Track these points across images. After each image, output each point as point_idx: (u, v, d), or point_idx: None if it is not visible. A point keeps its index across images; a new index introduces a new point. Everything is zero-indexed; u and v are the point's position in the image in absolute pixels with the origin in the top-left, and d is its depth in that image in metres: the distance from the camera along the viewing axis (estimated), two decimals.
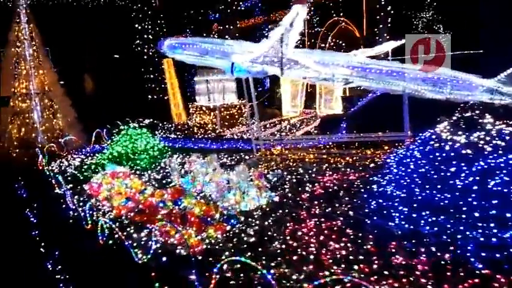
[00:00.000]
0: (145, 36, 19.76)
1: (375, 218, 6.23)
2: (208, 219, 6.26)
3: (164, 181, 9.42)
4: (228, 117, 15.61)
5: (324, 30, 21.49)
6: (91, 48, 20.63)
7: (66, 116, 16.34)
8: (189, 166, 9.06)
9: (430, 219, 5.78)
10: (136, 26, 19.64)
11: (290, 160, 10.08)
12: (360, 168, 8.86)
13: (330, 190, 7.71)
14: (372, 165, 9.01)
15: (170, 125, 17.98)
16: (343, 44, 20.66)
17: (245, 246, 5.62)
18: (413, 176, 6.51)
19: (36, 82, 15.57)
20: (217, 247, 5.65)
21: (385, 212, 6.36)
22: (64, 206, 8.13)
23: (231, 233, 6.04)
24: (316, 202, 7.06)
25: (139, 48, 20.00)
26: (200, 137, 14.68)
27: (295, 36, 7.75)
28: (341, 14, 21.80)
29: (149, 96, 20.49)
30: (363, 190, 7.47)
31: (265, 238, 5.80)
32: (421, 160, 6.52)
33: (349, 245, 5.36)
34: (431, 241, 5.39)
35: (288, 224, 6.16)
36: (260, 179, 7.38)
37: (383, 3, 20.60)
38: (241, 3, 20.58)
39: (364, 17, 23.10)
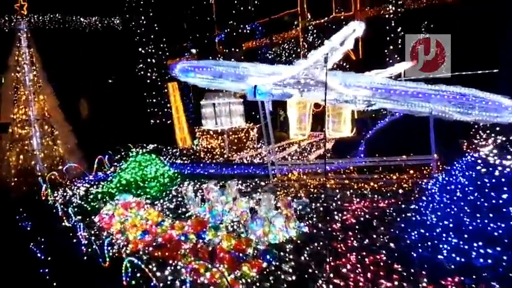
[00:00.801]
0: (149, 60, 19.49)
1: (420, 250, 5.75)
2: (240, 254, 5.74)
3: (179, 211, 8.89)
4: (236, 141, 15.18)
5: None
6: (92, 72, 20.29)
7: (67, 143, 15.81)
8: (207, 194, 8.55)
9: (482, 251, 5.34)
10: (140, 49, 19.39)
11: (310, 186, 9.61)
12: (389, 194, 8.41)
13: (362, 219, 7.22)
14: (400, 191, 8.58)
15: (175, 150, 17.50)
16: (346, 66, 20.59)
17: (285, 286, 5.10)
18: (456, 203, 6.09)
19: (36, 108, 15.12)
20: (254, 287, 5.12)
21: (429, 243, 5.89)
22: (75, 240, 7.55)
23: (266, 270, 5.51)
24: (350, 233, 6.57)
25: (142, 72, 19.69)
26: (208, 162, 14.21)
27: (339, 56, 7.42)
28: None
29: (152, 121, 20.07)
30: (398, 219, 7.00)
31: (306, 276, 5.28)
32: (464, 186, 6.11)
33: (403, 283, 4.85)
34: (489, 275, 4.93)
35: (328, 259, 5.65)
36: (289, 208, 6.89)
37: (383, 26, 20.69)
38: (247, 25, 20.48)
39: (360, 40, 23.16)
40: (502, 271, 4.93)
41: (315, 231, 6.87)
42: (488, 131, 12.76)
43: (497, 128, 12.22)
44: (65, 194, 11.59)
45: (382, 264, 5.43)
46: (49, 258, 7.01)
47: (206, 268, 5.47)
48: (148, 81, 19.68)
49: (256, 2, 20.81)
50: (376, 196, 8.38)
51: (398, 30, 17.94)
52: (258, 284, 5.17)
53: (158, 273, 5.78)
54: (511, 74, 11.04)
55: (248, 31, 20.66)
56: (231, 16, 19.42)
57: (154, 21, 19.21)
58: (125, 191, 10.48)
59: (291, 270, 5.44)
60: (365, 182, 9.42)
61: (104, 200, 10.26)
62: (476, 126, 13.21)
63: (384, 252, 5.78)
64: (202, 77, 10.40)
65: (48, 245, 7.64)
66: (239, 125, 15.64)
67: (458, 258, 5.35)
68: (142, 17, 18.71)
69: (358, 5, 22.27)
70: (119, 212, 8.57)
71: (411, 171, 9.57)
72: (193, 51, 24.45)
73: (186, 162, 14.70)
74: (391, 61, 15.83)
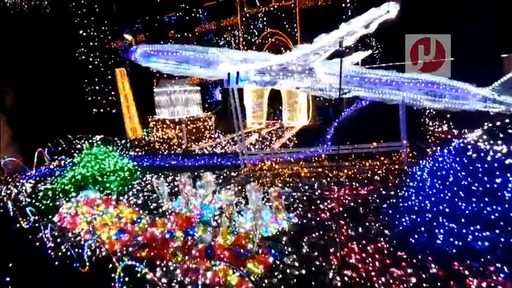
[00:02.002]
0: (91, 43, 17.93)
1: (416, 236, 5.82)
2: (241, 250, 5.40)
3: (151, 206, 8.27)
4: (194, 130, 14.54)
5: (259, 40, 21.75)
6: (26, 57, 18.23)
7: (1, 135, 14.29)
8: (182, 187, 8.04)
9: (477, 234, 5.51)
10: (81, 32, 17.76)
11: (284, 175, 9.44)
12: (365, 181, 8.49)
13: (348, 207, 7.20)
14: (376, 177, 8.71)
15: (125, 141, 16.39)
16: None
17: (295, 281, 4.88)
18: (446, 188, 6.25)
19: None
20: (264, 285, 4.83)
21: (422, 228, 5.98)
22: (38, 243, 6.70)
23: (273, 266, 5.24)
24: (342, 222, 6.50)
25: (83, 57, 18.09)
26: (166, 153, 13.46)
27: (352, 40, 7.12)
28: (276, 26, 22.12)
29: (94, 110, 18.58)
30: (385, 205, 7.06)
31: (314, 269, 5.10)
32: (455, 171, 6.28)
33: (412, 270, 4.85)
34: (492, 258, 5.08)
35: (331, 250, 5.51)
36: (280, 199, 6.65)
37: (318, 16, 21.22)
38: (199, 10, 19.60)
39: (298, 30, 23.48)
40: (500, 253, 5.10)
41: (305, 221, 6.71)
42: (438, 118, 13.51)
43: (448, 115, 12.99)
44: (8, 191, 10.32)
45: (386, 252, 5.40)
46: (10, 265, 6.15)
47: (207, 268, 5.09)
48: (90, 66, 18.14)
49: None
50: (354, 183, 8.42)
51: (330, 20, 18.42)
52: (266, 281, 4.89)
53: (149, 276, 5.28)
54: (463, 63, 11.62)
55: (200, 15, 19.84)
56: None
57: (97, 1, 17.67)
58: (81, 187, 9.60)
59: (296, 264, 5.23)
60: (338, 169, 9.46)
61: (58, 197, 9.31)
62: (426, 113, 13.94)
63: (382, 239, 5.77)
64: (166, 62, 9.73)
65: (5, 249, 6.73)
66: (197, 114, 15.01)
67: (456, 243, 5.48)
68: None
69: None
70: (83, 211, 7.78)
71: (382, 158, 9.77)
72: (127, 36, 23.21)
73: (140, 153, 13.82)
74: (347, 50, 16.06)
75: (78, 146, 15.66)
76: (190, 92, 14.68)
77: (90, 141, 16.42)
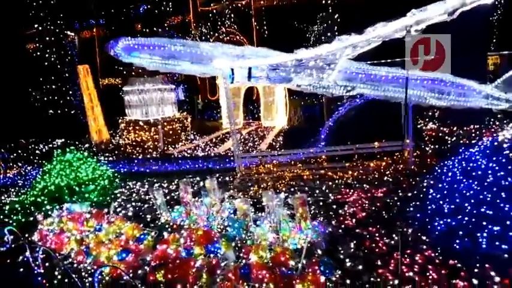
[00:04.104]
0: (47, 38, 16.20)
1: (458, 241, 5.46)
2: (283, 269, 4.73)
3: (148, 219, 7.35)
4: (171, 132, 13.52)
5: (216, 36, 21.48)
6: None
7: None
8: (184, 196, 7.21)
9: None
10: (36, 26, 15.98)
11: (286, 179, 8.84)
12: (376, 183, 8.11)
13: (370, 211, 6.76)
14: (385, 178, 8.35)
15: (88, 145, 14.94)
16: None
17: None
18: (472, 188, 5.97)
19: None
20: None
21: (461, 232, 5.65)
22: (22, 269, 5.62)
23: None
24: (372, 229, 6.03)
25: (38, 53, 16.31)
26: (144, 157, 12.37)
27: (421, 29, 6.45)
28: (232, 24, 22.02)
29: (50, 111, 16.86)
30: (410, 209, 6.69)
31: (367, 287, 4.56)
32: (481, 171, 6.01)
33: (474, 280, 4.46)
34: None
35: (377, 263, 5.00)
36: (305, 206, 6.04)
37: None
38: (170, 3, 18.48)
39: (254, 28, 23.29)
40: None
41: (331, 229, 6.17)
42: (418, 116, 13.56)
43: (430, 113, 13.06)
44: None
45: (437, 261, 4.98)
46: None
47: None
48: (45, 63, 16.40)
49: None
50: (364, 185, 8.00)
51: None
52: None
53: None
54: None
55: (170, 8, 18.75)
56: None
57: None
58: (56, 199, 8.44)
59: (348, 281, 4.65)
60: (342, 171, 9.03)
61: (29, 211, 8.10)
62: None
63: (425, 247, 5.37)
64: (150, 58, 8.82)
65: None
66: (173, 114, 13.98)
67: (504, 246, 5.18)
68: None
69: None
70: (69, 227, 6.72)
71: (385, 158, 9.47)
72: (70, 33, 21.79)
73: (111, 159, 12.59)
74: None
75: (38, 152, 14.11)
76: (164, 90, 13.65)
77: (50, 145, 14.91)
